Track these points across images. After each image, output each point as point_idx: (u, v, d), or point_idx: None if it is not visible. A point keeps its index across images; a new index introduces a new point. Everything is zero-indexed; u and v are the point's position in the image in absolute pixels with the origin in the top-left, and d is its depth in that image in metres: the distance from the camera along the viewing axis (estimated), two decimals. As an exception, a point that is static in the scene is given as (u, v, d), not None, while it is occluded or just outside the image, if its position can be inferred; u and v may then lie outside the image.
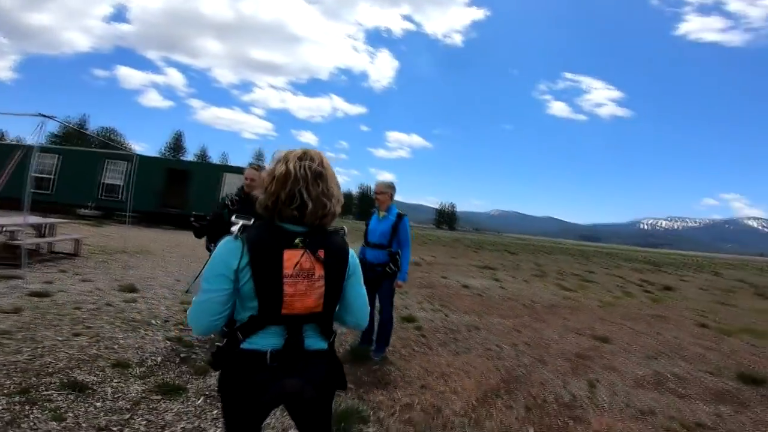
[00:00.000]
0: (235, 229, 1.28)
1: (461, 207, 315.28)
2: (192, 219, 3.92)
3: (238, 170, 23.56)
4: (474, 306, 7.40)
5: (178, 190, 18.48)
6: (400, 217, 3.99)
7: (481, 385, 3.65)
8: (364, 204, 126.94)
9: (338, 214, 1.38)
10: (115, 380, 2.93)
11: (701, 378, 4.39)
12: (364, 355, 3.96)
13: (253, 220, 1.42)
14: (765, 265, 56.50)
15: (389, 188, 4.07)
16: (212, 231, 3.79)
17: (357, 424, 2.67)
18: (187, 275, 7.00)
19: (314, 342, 1.36)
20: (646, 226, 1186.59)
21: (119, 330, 3.96)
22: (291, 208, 1.30)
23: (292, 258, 1.26)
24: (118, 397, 2.70)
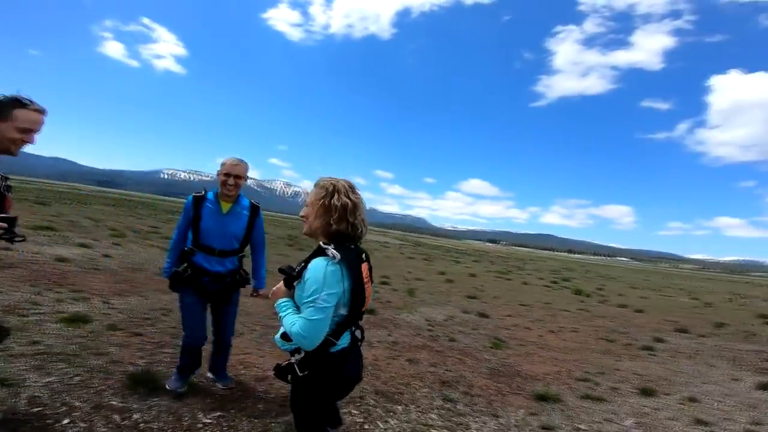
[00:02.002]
0: (334, 253, 1.54)
1: None
2: None
3: None
4: (119, 283, 6.22)
5: None
6: (255, 210, 3.00)
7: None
8: None
9: None
10: None
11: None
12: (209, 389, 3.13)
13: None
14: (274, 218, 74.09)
15: (247, 169, 2.91)
16: None
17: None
18: None
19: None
20: (166, 176, 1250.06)
21: None
22: (359, 232, 1.68)
23: (365, 269, 1.74)
24: None
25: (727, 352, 6.84)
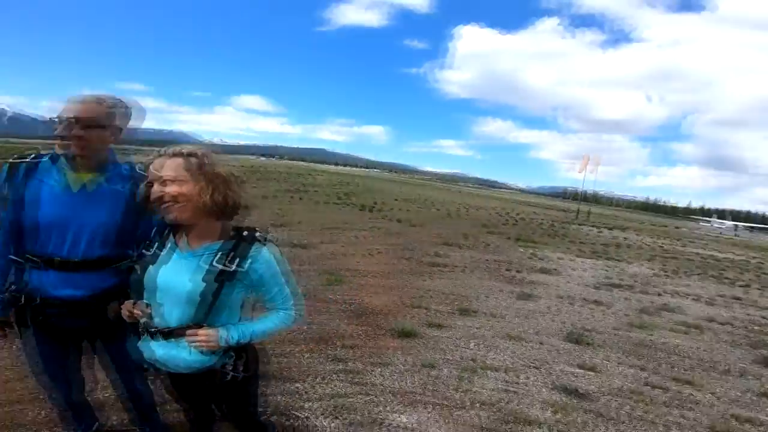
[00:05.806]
0: (266, 236, 1.62)
1: None
2: None
3: None
4: None
5: None
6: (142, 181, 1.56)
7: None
8: None
9: None
10: None
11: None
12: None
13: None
14: None
15: (114, 107, 1.63)
16: None
17: None
18: None
19: None
20: None
21: None
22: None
23: None
24: None
25: (481, 264, 9.37)
